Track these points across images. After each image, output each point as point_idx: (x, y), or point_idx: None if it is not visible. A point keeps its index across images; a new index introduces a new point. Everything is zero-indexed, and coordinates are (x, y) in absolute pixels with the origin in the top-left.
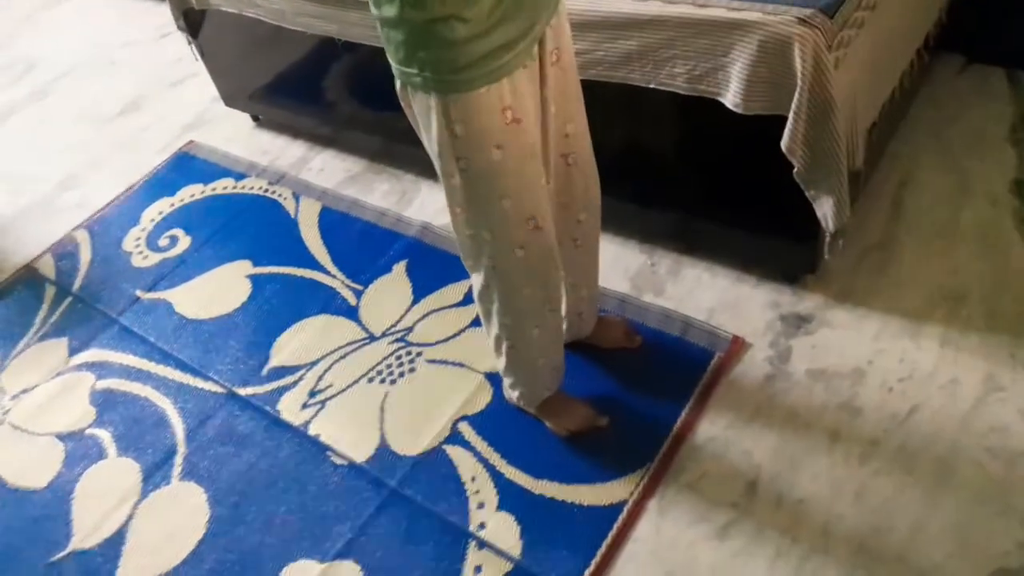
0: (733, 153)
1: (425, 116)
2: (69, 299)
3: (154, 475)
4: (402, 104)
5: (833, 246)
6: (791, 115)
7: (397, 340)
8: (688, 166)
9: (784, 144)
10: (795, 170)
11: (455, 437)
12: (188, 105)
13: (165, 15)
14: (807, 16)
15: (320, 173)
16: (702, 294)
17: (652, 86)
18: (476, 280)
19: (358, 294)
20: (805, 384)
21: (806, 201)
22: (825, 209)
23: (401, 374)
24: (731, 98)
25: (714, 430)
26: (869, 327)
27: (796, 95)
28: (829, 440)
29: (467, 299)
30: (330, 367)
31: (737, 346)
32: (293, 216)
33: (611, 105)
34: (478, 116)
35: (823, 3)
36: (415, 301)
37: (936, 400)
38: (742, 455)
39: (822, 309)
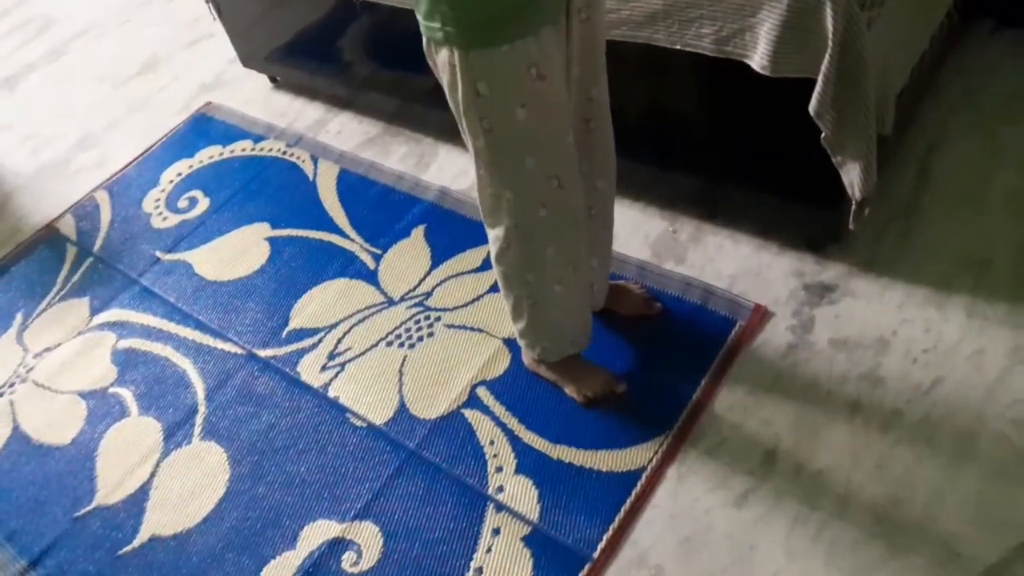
0: (759, 117)
1: (449, 74)
2: (90, 259)
3: (175, 434)
4: (428, 61)
5: (858, 214)
6: (821, 78)
7: (416, 304)
8: (712, 130)
9: (812, 108)
10: (823, 135)
11: (473, 401)
12: (205, 66)
13: None
14: None
15: (338, 135)
16: (724, 262)
17: (677, 47)
18: (495, 241)
19: (377, 258)
20: (827, 354)
21: (831, 167)
22: (852, 176)
23: (420, 338)
24: (758, 60)
25: (734, 398)
26: (894, 296)
27: (827, 57)
28: (850, 410)
29: (485, 265)
30: (349, 330)
31: (759, 315)
32: (311, 179)
33: (634, 66)
34: (502, 74)
35: None
36: (433, 266)
37: (961, 371)
38: (762, 423)
39: (846, 278)
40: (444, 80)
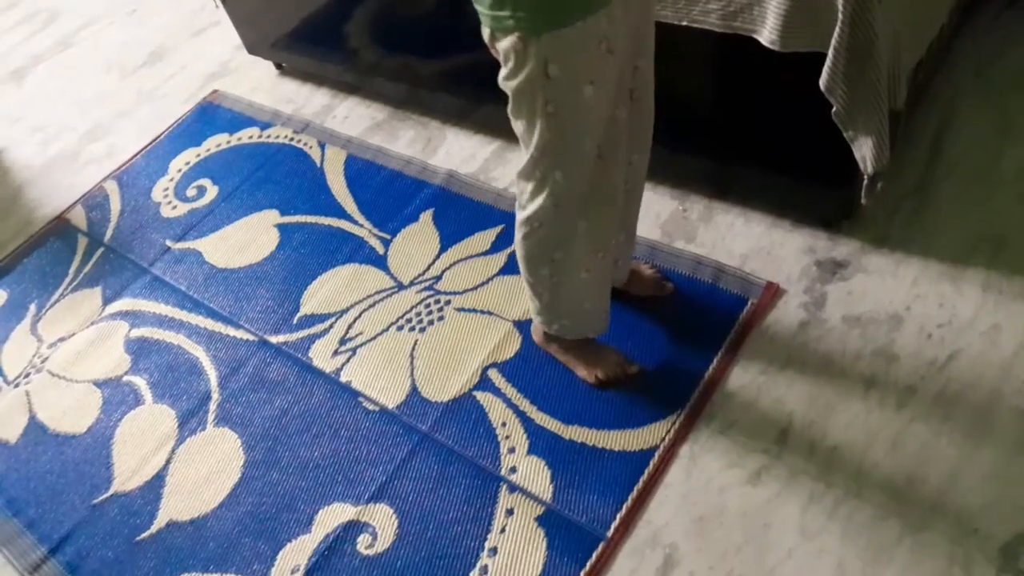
0: (768, 93)
1: (516, 60)
2: (101, 249)
3: (190, 421)
4: (492, 51)
5: (871, 190)
6: (831, 52)
7: (425, 289)
8: (722, 108)
9: (823, 83)
10: (833, 110)
11: (485, 384)
12: (211, 54)
13: None
14: None
15: (345, 121)
16: (735, 240)
17: (684, 23)
18: (527, 222)
19: (386, 243)
20: (840, 331)
21: (843, 143)
22: (864, 151)
23: (430, 322)
24: (767, 35)
25: (747, 377)
26: (907, 272)
27: (837, 30)
28: (864, 387)
29: (494, 248)
30: (360, 315)
31: (771, 293)
32: (319, 165)
33: None
34: (575, 51)
35: None
36: (443, 249)
37: (976, 346)
38: (775, 402)
39: (858, 254)
40: (507, 67)
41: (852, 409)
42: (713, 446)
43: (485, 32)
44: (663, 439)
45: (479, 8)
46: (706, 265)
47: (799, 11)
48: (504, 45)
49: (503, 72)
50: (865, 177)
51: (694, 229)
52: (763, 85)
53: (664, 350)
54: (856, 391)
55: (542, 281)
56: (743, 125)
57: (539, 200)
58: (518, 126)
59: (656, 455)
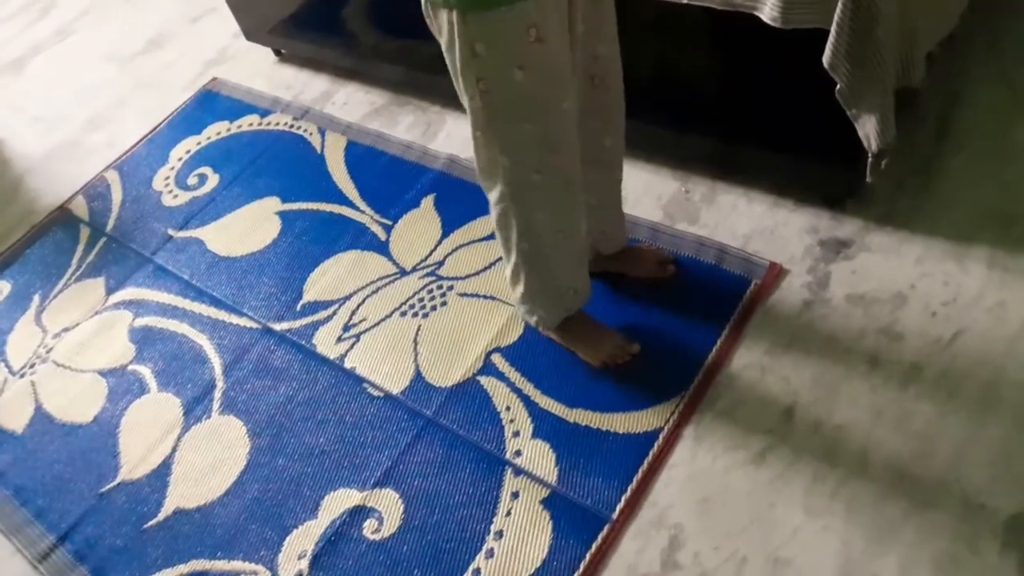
0: (770, 72)
1: (448, 35)
2: (103, 239)
3: (195, 409)
4: (427, 23)
5: (875, 168)
6: (833, 28)
7: (428, 274)
8: (724, 87)
9: (826, 60)
10: (837, 88)
11: (488, 368)
12: (210, 41)
13: None
14: None
15: (344, 107)
16: (738, 221)
17: (685, 1)
18: (494, 207)
19: (388, 229)
20: (844, 310)
21: (847, 121)
22: (867, 129)
23: (433, 307)
24: (768, 12)
25: (751, 357)
26: (912, 251)
27: (839, 6)
28: (869, 366)
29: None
30: (363, 301)
31: (774, 273)
32: (319, 151)
33: (642, 24)
34: (500, 35)
35: None
36: (444, 235)
37: (982, 324)
38: (779, 381)
39: (862, 233)
40: (443, 41)
41: (856, 388)
42: (717, 427)
43: (423, 4)
44: (667, 421)
45: None
46: (709, 246)
47: None
48: (439, 19)
49: (441, 46)
50: (869, 155)
51: (697, 210)
52: (765, 63)
53: (667, 332)
54: (860, 370)
55: (516, 268)
56: (746, 104)
57: (496, 185)
58: (464, 103)
59: (660, 437)
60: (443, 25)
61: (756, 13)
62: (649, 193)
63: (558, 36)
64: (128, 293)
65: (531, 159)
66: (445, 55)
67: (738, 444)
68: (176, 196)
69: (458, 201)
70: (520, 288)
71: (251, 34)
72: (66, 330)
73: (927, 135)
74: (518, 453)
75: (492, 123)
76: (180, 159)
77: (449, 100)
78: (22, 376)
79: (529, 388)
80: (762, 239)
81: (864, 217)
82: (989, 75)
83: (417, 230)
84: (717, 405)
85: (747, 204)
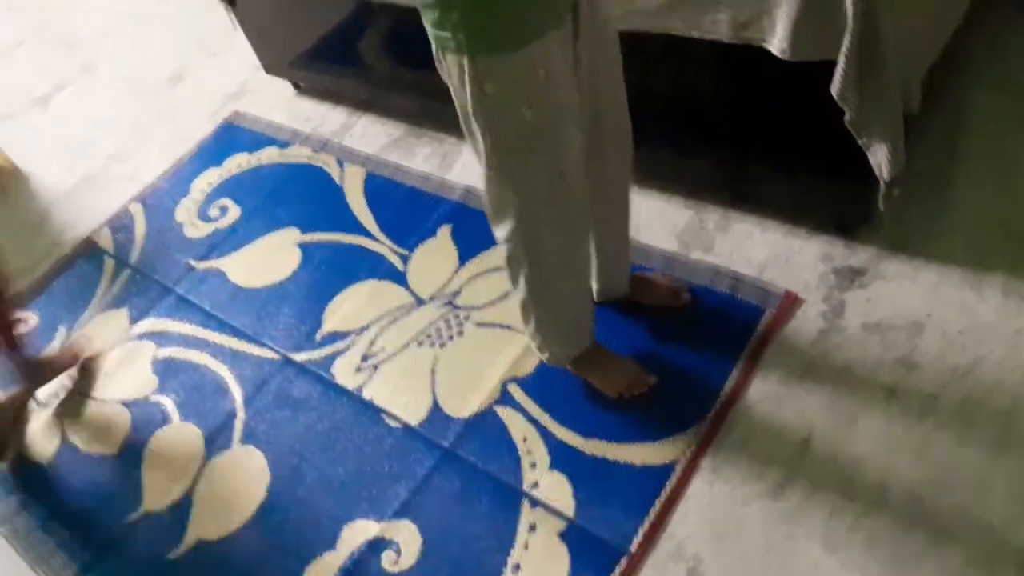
0: (780, 100)
1: (458, 77)
2: (127, 271)
3: (216, 439)
4: (438, 68)
5: (888, 195)
6: (841, 59)
7: (445, 304)
8: (734, 115)
9: (834, 90)
10: (846, 117)
11: (505, 399)
12: (230, 74)
13: None
14: None
15: (362, 139)
16: (752, 249)
17: (694, 35)
18: (503, 243)
19: (404, 259)
20: (860, 339)
21: (858, 147)
22: (879, 157)
23: (450, 337)
24: (777, 44)
25: (766, 387)
26: (927, 277)
27: (847, 37)
28: (886, 395)
29: None
30: (381, 332)
31: (789, 301)
32: (338, 182)
33: (650, 55)
34: (509, 75)
35: None
36: (461, 264)
37: (999, 351)
38: (795, 412)
39: (877, 260)
40: (452, 83)
41: (874, 418)
42: (734, 458)
43: (433, 48)
44: (684, 452)
45: (426, 25)
46: (723, 275)
47: (809, 19)
48: (448, 62)
49: (450, 88)
50: (881, 183)
51: (711, 239)
52: (775, 90)
53: (682, 361)
54: (878, 400)
55: (526, 303)
56: (757, 131)
57: (506, 221)
58: (472, 144)
59: (677, 468)
60: (452, 68)
61: (765, 46)
62: (663, 221)
63: (564, 74)
64: (151, 324)
65: (541, 195)
66: (454, 97)
67: (755, 476)
68: (198, 227)
69: (475, 231)
70: (532, 324)
71: (271, 68)
72: (91, 361)
73: (938, 158)
74: (535, 485)
75: (503, 161)
76: (202, 191)
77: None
78: (48, 407)
79: (546, 419)
80: (776, 267)
81: (878, 244)
82: (995, 94)
83: (434, 260)
84: (733, 436)
85: (761, 232)
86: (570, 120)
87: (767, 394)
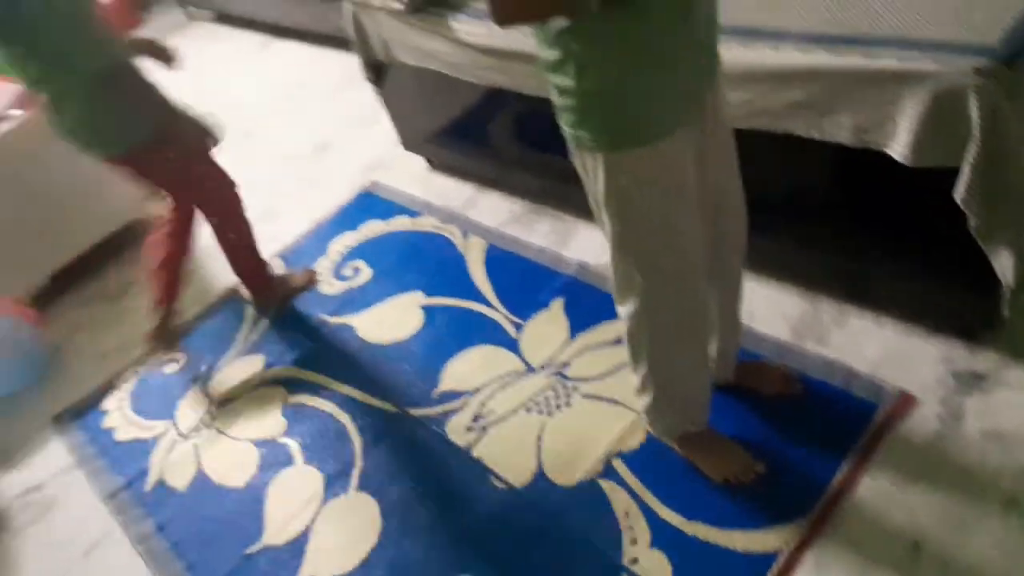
0: (903, 200)
1: (592, 170)
2: (266, 321)
3: (334, 484)
4: (574, 161)
5: (1013, 302)
6: (966, 168)
7: (554, 374)
8: (855, 211)
9: (959, 197)
10: (970, 223)
11: (609, 472)
12: (371, 148)
13: (353, 64)
14: (984, 66)
15: (487, 212)
16: (868, 344)
17: (818, 138)
18: (626, 320)
19: (518, 327)
20: (979, 445)
21: (982, 251)
22: (1004, 264)
23: (558, 406)
24: (900, 150)
25: (877, 486)
26: None
27: (972, 147)
28: (1004, 506)
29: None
30: (492, 395)
31: (904, 401)
32: (461, 252)
33: (774, 151)
34: (640, 169)
35: (1002, 52)
36: (572, 337)
37: None
38: (906, 514)
39: (999, 367)
40: (586, 173)
41: (990, 529)
42: (839, 556)
43: (570, 145)
44: (787, 543)
45: (563, 125)
46: (837, 369)
47: (932, 127)
48: (583, 158)
49: (585, 181)
50: (1007, 289)
51: (826, 331)
52: (898, 189)
53: (791, 451)
54: (994, 510)
55: (645, 379)
56: (879, 230)
57: (630, 300)
58: (603, 229)
59: (780, 559)
60: (587, 161)
61: (886, 151)
62: (777, 311)
63: (690, 167)
64: (284, 371)
65: (664, 278)
66: (585, 184)
67: None
68: (332, 285)
69: (587, 306)
70: (647, 398)
71: (408, 144)
72: (229, 401)
73: None
74: (635, 561)
75: (631, 247)
76: (339, 252)
77: (582, 211)
78: (188, 439)
79: (649, 496)
80: (893, 366)
81: (1001, 351)
82: None
83: (546, 330)
84: (840, 532)
85: (878, 329)
86: (694, 210)
87: (878, 493)
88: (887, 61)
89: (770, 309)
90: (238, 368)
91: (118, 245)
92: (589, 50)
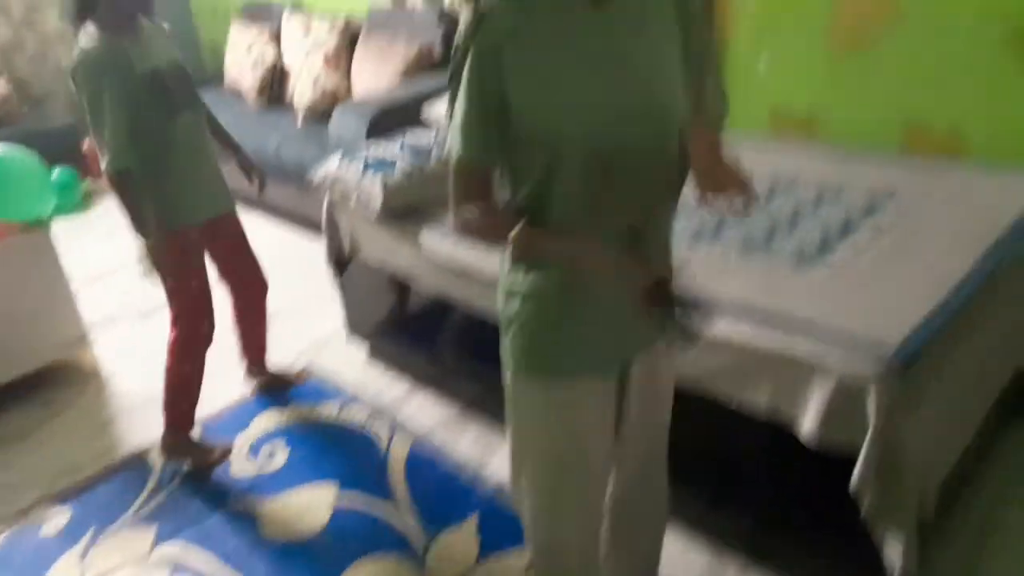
0: (809, 474)
1: (509, 387)
2: (165, 492)
3: None
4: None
5: None
6: (861, 458)
7: None
8: (764, 478)
9: (852, 485)
10: (862, 512)
11: None
12: (319, 327)
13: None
14: (885, 364)
15: (417, 412)
16: None
17: (734, 404)
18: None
19: (428, 540)
20: None
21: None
22: (892, 557)
23: None
24: (805, 431)
25: None
26: None
27: (867, 440)
28: None
29: None
30: None
31: None
32: (384, 450)
33: (693, 410)
34: (541, 401)
35: (903, 353)
36: (480, 558)
37: None
38: None
39: None
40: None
41: None
42: None
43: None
44: None
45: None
46: None
47: (834, 416)
48: (505, 376)
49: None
50: None
51: None
52: (805, 466)
53: None
54: None
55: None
56: (784, 498)
57: (524, 510)
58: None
59: None
60: (506, 376)
61: (794, 430)
62: (684, 558)
63: (594, 420)
64: (174, 548)
65: (551, 520)
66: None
67: None
68: (246, 465)
69: (501, 527)
70: None
71: (353, 329)
72: (105, 574)
73: (955, 566)
74: None
75: (525, 464)
76: (262, 429)
77: None
78: None
79: None
80: None
81: None
82: (1015, 509)
83: (456, 549)
84: None
85: None
86: (589, 457)
87: None
88: (801, 347)
89: (678, 556)
90: (125, 538)
91: (33, 386)
92: (526, 277)
